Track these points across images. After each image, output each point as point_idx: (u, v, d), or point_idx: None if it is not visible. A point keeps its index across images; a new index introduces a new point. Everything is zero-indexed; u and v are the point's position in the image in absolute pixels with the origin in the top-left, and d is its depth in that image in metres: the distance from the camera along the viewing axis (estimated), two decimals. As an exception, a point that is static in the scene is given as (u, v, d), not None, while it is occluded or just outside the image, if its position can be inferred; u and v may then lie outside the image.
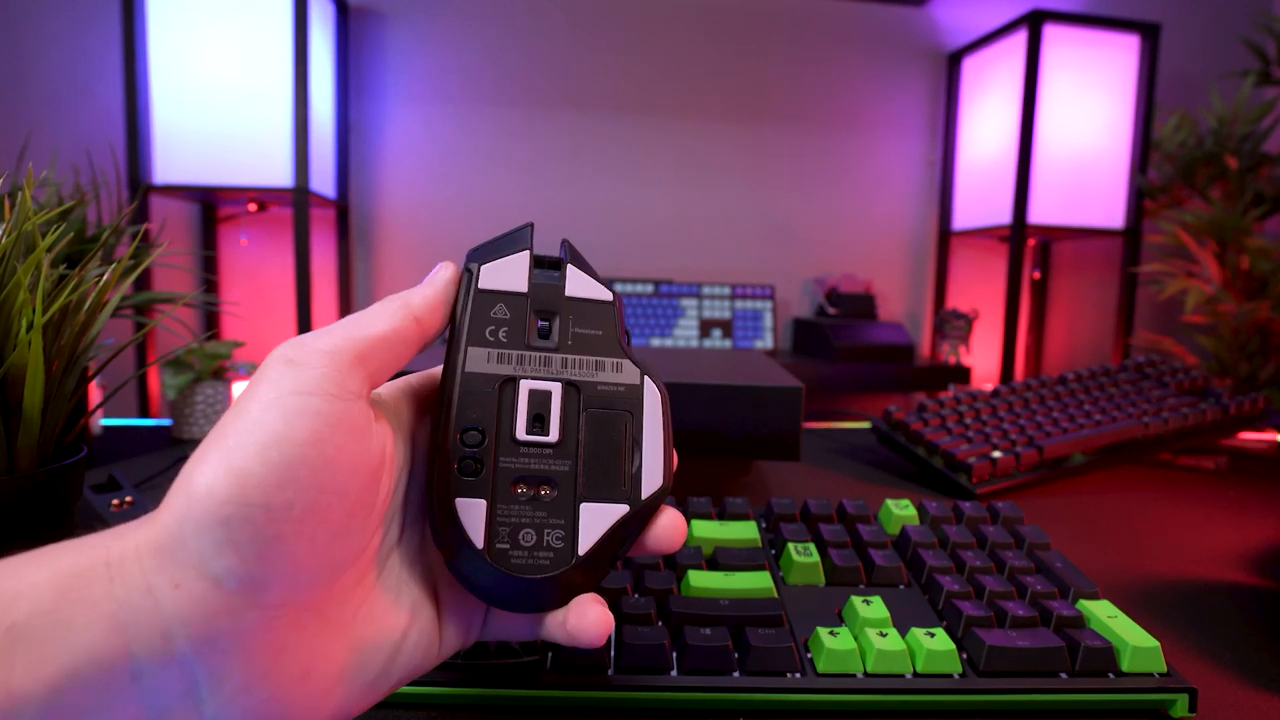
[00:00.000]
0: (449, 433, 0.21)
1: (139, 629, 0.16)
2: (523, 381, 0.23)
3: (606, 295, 0.24)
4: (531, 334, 0.23)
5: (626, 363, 0.24)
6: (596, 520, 0.22)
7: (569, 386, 0.23)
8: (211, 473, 0.17)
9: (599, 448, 0.23)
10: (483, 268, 0.23)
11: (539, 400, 0.23)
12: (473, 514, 0.21)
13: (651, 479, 0.23)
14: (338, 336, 0.20)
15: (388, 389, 0.23)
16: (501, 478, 0.22)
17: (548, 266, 0.24)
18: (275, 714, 0.18)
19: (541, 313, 0.24)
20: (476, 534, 0.21)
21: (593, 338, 0.24)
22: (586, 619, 0.21)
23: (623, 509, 0.22)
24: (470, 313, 0.23)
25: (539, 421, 0.22)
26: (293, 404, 0.18)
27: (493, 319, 0.23)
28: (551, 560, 0.22)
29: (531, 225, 0.25)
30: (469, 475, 0.21)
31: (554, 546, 0.22)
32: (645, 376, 0.24)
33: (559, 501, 0.22)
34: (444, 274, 0.23)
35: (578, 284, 0.24)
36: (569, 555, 0.22)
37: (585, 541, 0.22)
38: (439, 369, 0.24)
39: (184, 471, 0.18)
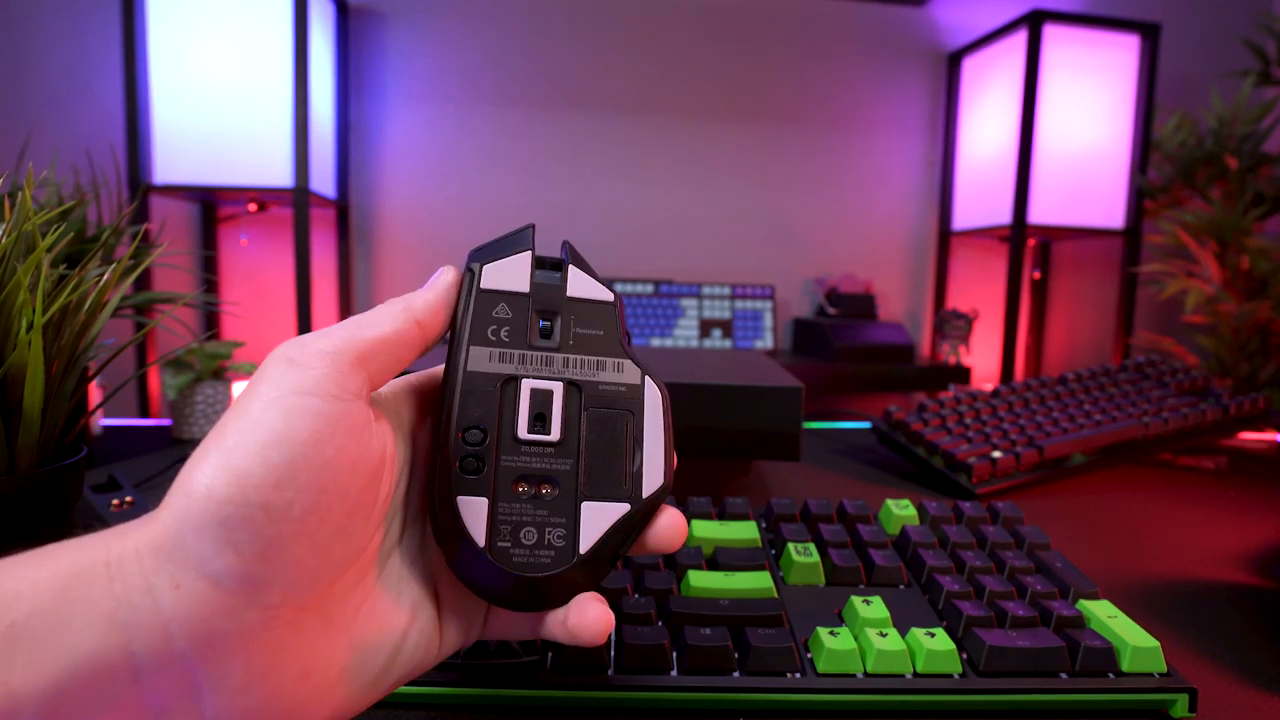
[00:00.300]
0: (450, 431, 0.21)
1: (139, 628, 0.16)
2: (524, 381, 0.23)
3: (608, 296, 0.24)
4: (533, 334, 0.23)
5: (628, 363, 0.24)
6: (598, 519, 0.22)
7: (570, 386, 0.23)
8: (211, 472, 0.17)
9: (600, 447, 0.23)
10: (485, 268, 0.23)
11: (541, 399, 0.23)
12: (474, 512, 0.21)
13: (652, 478, 0.23)
14: (339, 337, 0.20)
15: (389, 388, 0.23)
16: (503, 476, 0.22)
17: (549, 267, 0.24)
18: (275, 713, 0.18)
19: (543, 313, 0.24)
20: (478, 532, 0.21)
21: (594, 338, 0.24)
22: (587, 617, 0.21)
23: (624, 508, 0.22)
24: (472, 312, 0.23)
25: (540, 420, 0.22)
26: (293, 404, 0.18)
27: (495, 318, 0.23)
28: (553, 558, 0.22)
29: (533, 226, 0.25)
30: (470, 473, 0.21)
31: (555, 545, 0.22)
32: (646, 376, 0.24)
33: (560, 500, 0.22)
34: (445, 278, 0.23)
35: (579, 284, 0.24)
36: (570, 554, 0.22)
37: (586, 540, 0.22)
38: (440, 368, 0.24)
39: (183, 471, 0.18)
